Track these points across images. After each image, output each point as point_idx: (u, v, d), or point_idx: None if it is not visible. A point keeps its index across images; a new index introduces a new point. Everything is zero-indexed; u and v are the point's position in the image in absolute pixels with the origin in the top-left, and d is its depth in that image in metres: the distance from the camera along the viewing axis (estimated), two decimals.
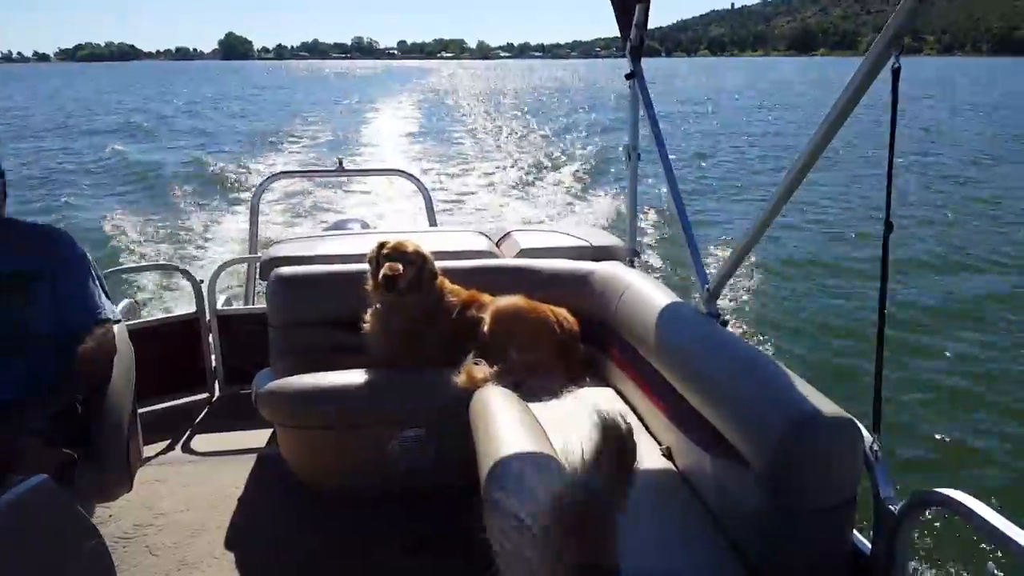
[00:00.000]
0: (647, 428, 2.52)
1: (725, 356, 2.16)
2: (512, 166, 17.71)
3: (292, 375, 2.72)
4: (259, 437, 3.33)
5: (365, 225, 5.27)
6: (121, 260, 9.43)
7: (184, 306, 4.02)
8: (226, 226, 11.26)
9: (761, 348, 3.43)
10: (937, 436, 5.32)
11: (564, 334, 2.88)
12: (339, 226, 5.50)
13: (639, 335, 2.64)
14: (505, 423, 2.28)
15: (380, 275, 2.72)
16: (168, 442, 3.35)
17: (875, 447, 1.84)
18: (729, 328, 2.50)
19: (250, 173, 16.04)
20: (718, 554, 1.88)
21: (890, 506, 1.77)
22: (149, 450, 3.25)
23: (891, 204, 1.79)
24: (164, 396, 3.68)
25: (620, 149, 3.60)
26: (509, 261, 3.38)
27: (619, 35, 3.23)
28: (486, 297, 2.95)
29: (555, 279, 3.19)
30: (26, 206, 13.29)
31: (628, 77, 3.24)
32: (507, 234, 3.74)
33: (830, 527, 1.79)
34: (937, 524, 3.86)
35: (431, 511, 2.74)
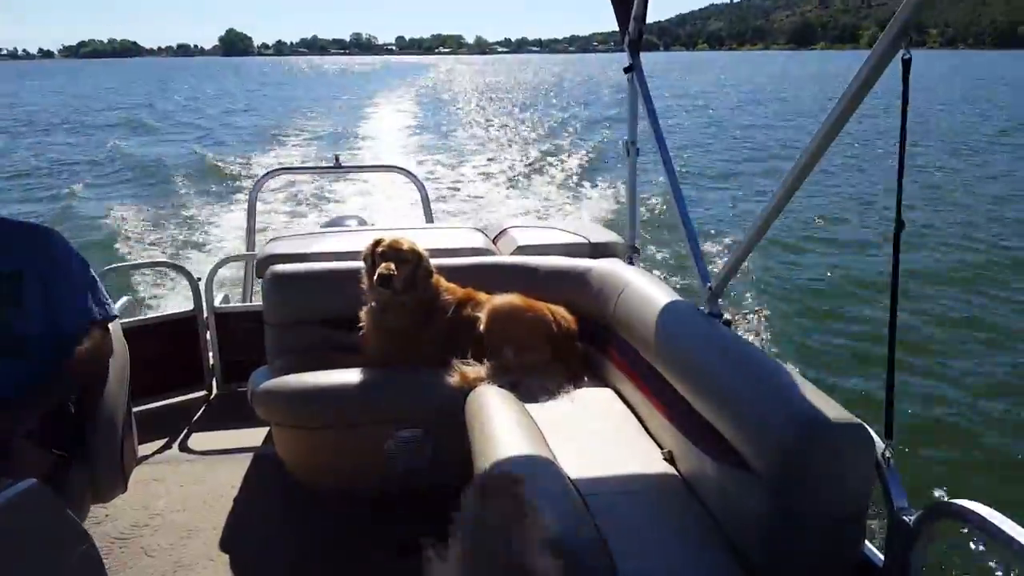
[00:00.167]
0: (648, 431, 2.48)
1: (729, 358, 2.12)
2: (509, 160, 17.65)
3: (288, 374, 2.70)
4: (256, 436, 3.31)
5: (362, 222, 5.24)
6: (121, 255, 9.40)
7: (182, 303, 4.00)
8: (226, 222, 11.22)
9: (764, 350, 3.35)
10: (951, 443, 5.13)
11: (562, 333, 2.86)
12: (336, 223, 5.48)
13: (639, 334, 2.61)
14: (501, 424, 2.25)
15: (375, 274, 2.69)
16: (165, 441, 3.33)
17: (887, 454, 1.78)
18: (732, 328, 2.45)
19: (250, 165, 16.01)
20: (721, 561, 1.84)
21: (904, 516, 1.70)
22: (146, 449, 3.23)
23: (902, 201, 1.72)
24: (161, 394, 3.67)
25: (619, 144, 3.54)
26: (506, 258, 3.35)
27: (617, 29, 3.20)
28: (482, 295, 2.93)
29: (552, 276, 3.16)
30: (30, 198, 13.29)
31: (627, 71, 3.20)
32: (504, 230, 3.71)
33: (839, 537, 1.75)
34: (950, 536, 3.72)
35: (427, 511, 2.72)
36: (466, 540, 1.37)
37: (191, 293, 3.76)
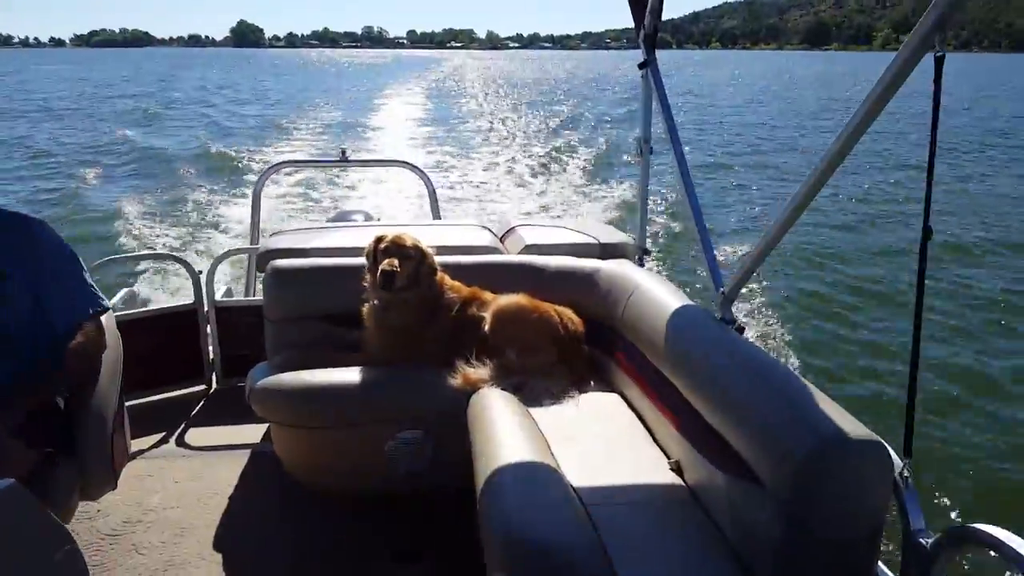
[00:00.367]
0: (655, 439, 2.41)
1: (742, 366, 2.04)
2: (519, 157, 17.56)
3: (287, 371, 2.63)
4: (255, 432, 3.26)
5: (368, 217, 5.18)
6: (125, 246, 9.38)
7: (184, 296, 3.95)
8: (233, 214, 11.19)
9: (777, 358, 3.21)
10: (971, 463, 4.91)
11: (568, 335, 2.78)
12: (342, 217, 5.43)
13: (648, 339, 2.53)
14: (503, 428, 2.19)
15: (377, 270, 2.62)
16: (162, 435, 3.28)
17: (905, 473, 1.70)
18: (746, 336, 2.37)
19: (258, 156, 15.98)
20: None
21: (921, 539, 1.64)
22: (143, 443, 3.18)
23: (931, 208, 1.63)
24: (160, 388, 3.62)
25: (629, 141, 3.45)
26: (512, 257, 3.28)
27: (630, 26, 3.11)
28: (487, 295, 2.86)
29: (560, 277, 3.09)
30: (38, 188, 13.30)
31: (641, 67, 3.11)
32: (511, 229, 3.64)
33: (853, 559, 1.67)
34: (969, 561, 3.53)
35: (427, 514, 2.66)
36: None
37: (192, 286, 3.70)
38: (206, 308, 3.70)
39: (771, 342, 6.74)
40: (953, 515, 4.02)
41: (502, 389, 2.52)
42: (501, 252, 3.36)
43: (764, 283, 8.14)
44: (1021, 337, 7.23)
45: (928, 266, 1.66)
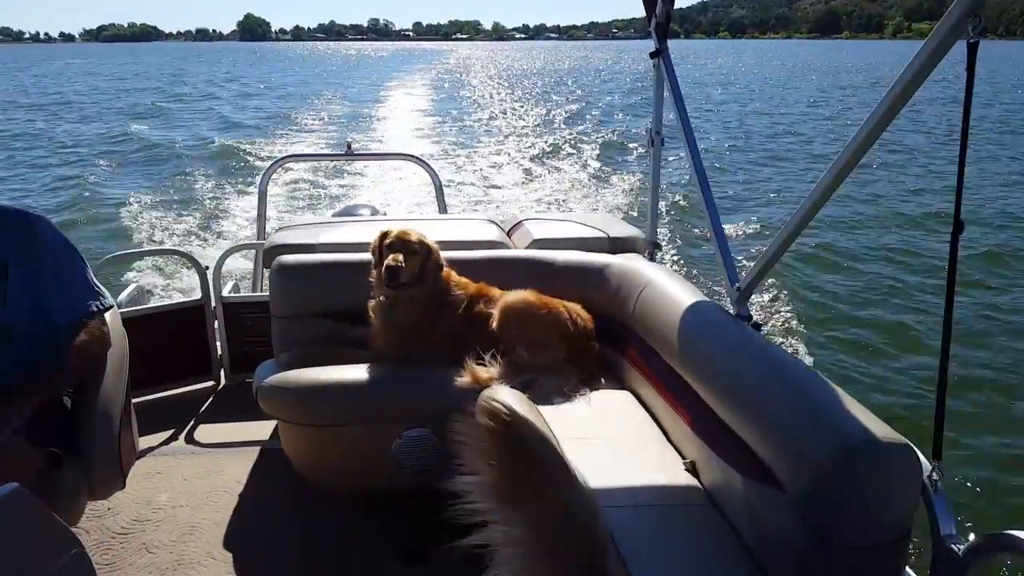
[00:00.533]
0: (669, 438, 2.36)
1: (760, 365, 1.99)
2: (524, 149, 17.48)
3: (294, 368, 2.61)
4: (263, 429, 3.24)
5: (375, 211, 5.14)
6: (134, 242, 9.40)
7: (191, 292, 3.94)
8: (240, 208, 11.18)
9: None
10: (1004, 466, 4.68)
11: (578, 332, 2.74)
12: (348, 212, 5.39)
13: (660, 336, 2.49)
14: None
15: (383, 266, 2.59)
16: (171, 432, 3.27)
17: (934, 476, 1.64)
18: (762, 333, 2.31)
19: (265, 149, 15.97)
20: None
21: (952, 545, 1.58)
22: (152, 440, 3.18)
23: (962, 200, 1.56)
24: (168, 384, 3.61)
25: (643, 132, 3.39)
26: (520, 252, 3.24)
27: (637, 16, 3.06)
28: (495, 291, 2.82)
29: (569, 272, 3.04)
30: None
31: (653, 56, 3.05)
32: (519, 223, 3.59)
33: (878, 566, 1.62)
34: (1004, 569, 3.37)
35: (435, 513, 2.63)
36: None
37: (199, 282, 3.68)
38: (213, 304, 3.68)
39: (784, 339, 6.55)
40: (982, 522, 3.85)
41: (511, 387, 2.48)
42: (508, 247, 3.32)
43: (777, 278, 7.92)
44: None
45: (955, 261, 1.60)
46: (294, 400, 2.53)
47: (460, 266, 2.86)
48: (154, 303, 3.85)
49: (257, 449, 3.11)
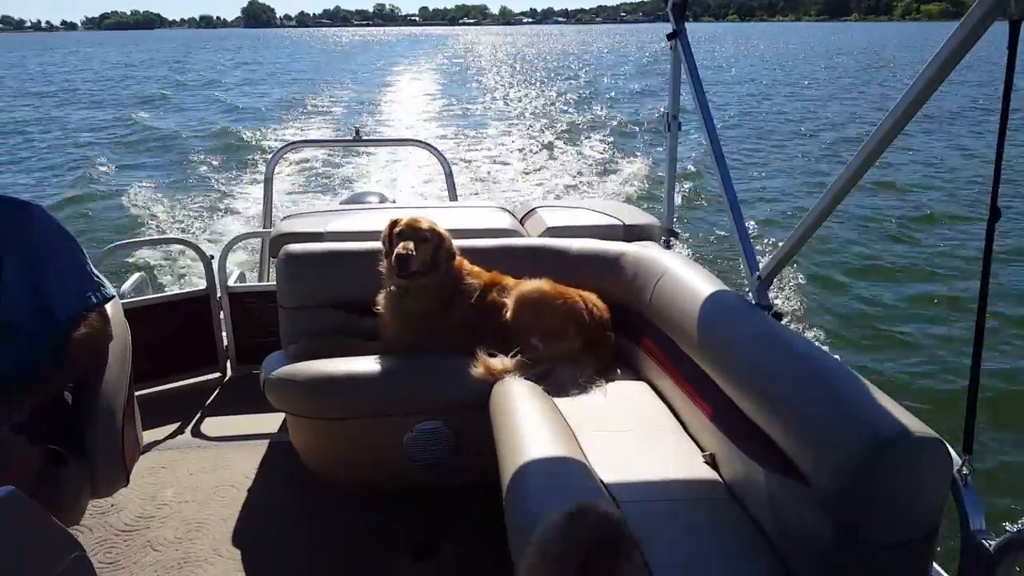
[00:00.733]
0: (687, 430, 2.29)
1: (783, 355, 1.92)
2: (534, 134, 17.32)
3: (302, 360, 2.54)
4: (271, 422, 3.19)
5: (384, 198, 5.06)
6: (135, 231, 9.35)
7: (196, 282, 3.88)
8: (247, 196, 11.12)
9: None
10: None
11: (594, 321, 2.66)
12: (356, 199, 5.31)
13: (678, 325, 2.41)
14: (528, 421, 2.10)
15: (393, 255, 2.51)
16: (177, 426, 3.22)
17: (964, 470, 1.59)
18: (784, 323, 2.23)
19: (271, 136, 15.88)
20: None
21: (982, 541, 1.52)
22: (157, 433, 3.12)
23: (999, 186, 1.50)
24: (173, 376, 3.56)
25: (660, 116, 3.29)
26: (534, 240, 3.16)
27: (644, 0, 2.94)
28: (509, 280, 2.74)
29: (583, 260, 2.96)
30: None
31: (670, 37, 2.96)
32: (532, 210, 3.51)
33: (906, 563, 1.56)
34: None
35: (447, 507, 2.58)
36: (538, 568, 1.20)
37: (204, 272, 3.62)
38: (219, 294, 3.62)
39: (802, 326, 6.39)
40: (1014, 518, 3.74)
41: (525, 378, 2.42)
42: (521, 235, 3.24)
43: (792, 265, 7.65)
44: None
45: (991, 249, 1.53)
46: (302, 393, 2.47)
47: (472, 254, 2.78)
48: (158, 293, 3.79)
49: (265, 442, 3.05)
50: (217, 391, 3.58)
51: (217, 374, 3.69)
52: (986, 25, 1.48)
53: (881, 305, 7.20)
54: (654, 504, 1.90)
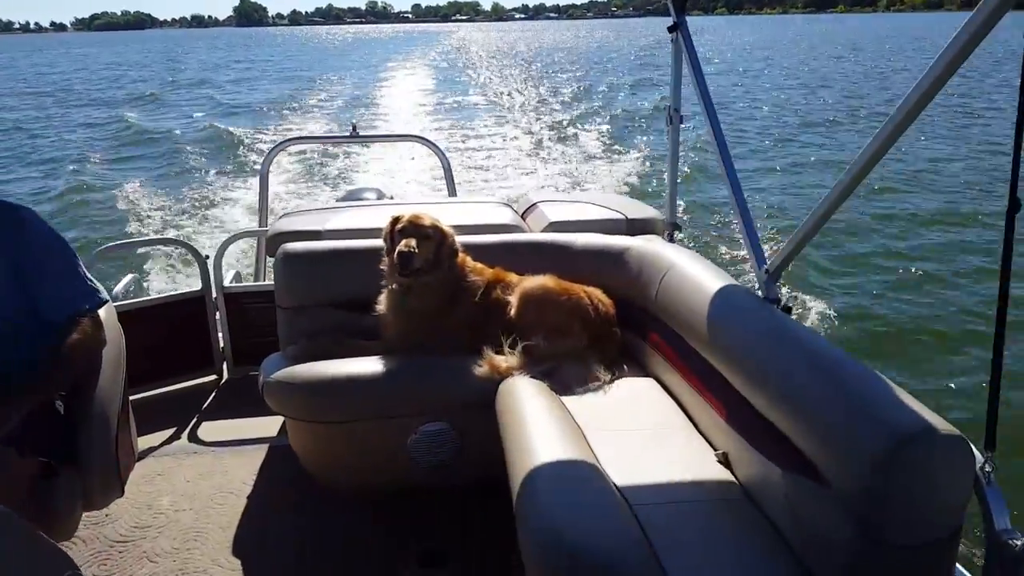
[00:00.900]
0: (698, 428, 2.23)
1: (796, 351, 1.86)
2: (531, 128, 17.25)
3: (302, 362, 2.48)
4: (270, 425, 3.12)
5: (381, 195, 4.99)
6: (128, 231, 9.24)
7: (191, 282, 3.80)
8: (240, 195, 11.01)
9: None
10: None
11: (599, 318, 2.60)
12: (353, 196, 5.24)
13: (686, 320, 2.35)
14: (536, 420, 2.04)
15: (395, 253, 2.44)
16: (173, 430, 3.15)
17: (987, 468, 1.54)
18: (796, 317, 2.17)
19: (267, 131, 15.77)
20: None
21: (1008, 540, 1.48)
22: (152, 439, 3.05)
23: (1019, 176, 1.44)
24: (168, 380, 3.49)
25: (662, 110, 3.23)
26: (536, 236, 3.10)
27: None
28: (512, 276, 2.68)
29: (587, 255, 2.90)
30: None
31: (671, 30, 2.89)
32: (533, 205, 3.45)
33: (929, 564, 1.51)
34: None
35: (452, 510, 2.52)
36: None
37: (199, 272, 3.54)
38: (214, 294, 3.55)
39: (808, 319, 6.28)
40: None
41: (531, 377, 2.36)
42: (523, 230, 3.18)
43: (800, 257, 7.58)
44: None
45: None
46: (302, 396, 2.40)
47: (474, 251, 2.72)
48: (152, 294, 3.72)
49: (264, 447, 2.98)
50: (214, 394, 3.51)
51: (213, 376, 3.62)
52: (1001, 13, 1.43)
53: (893, 299, 7.07)
54: (668, 506, 1.84)
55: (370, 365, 2.43)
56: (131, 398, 2.21)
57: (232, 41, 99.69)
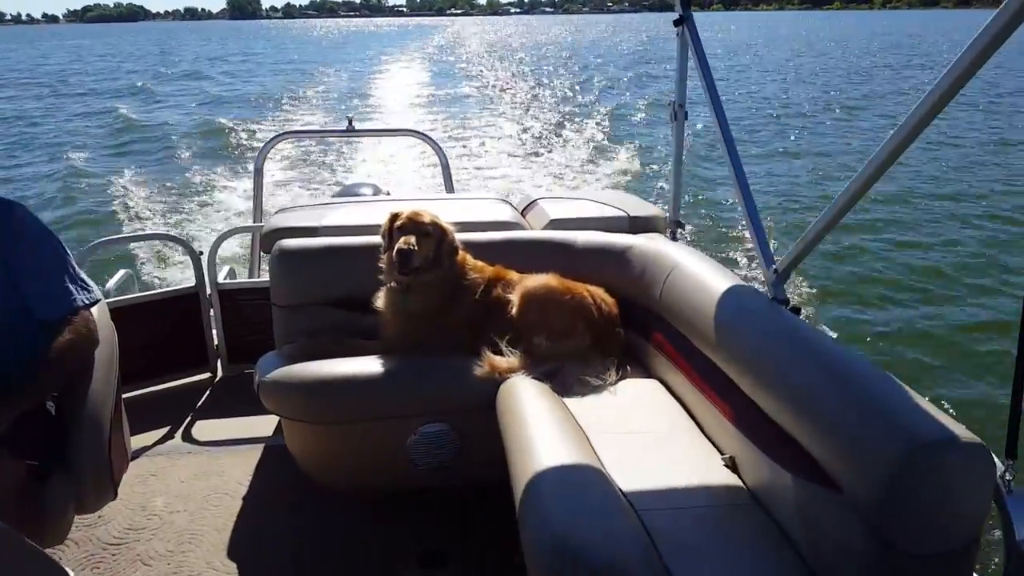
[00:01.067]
0: (703, 431, 2.20)
1: (806, 353, 1.83)
2: (527, 124, 17.17)
3: (298, 362, 2.43)
4: (266, 424, 3.07)
5: (377, 190, 4.92)
6: (121, 226, 9.15)
7: (185, 279, 3.75)
8: (235, 190, 10.92)
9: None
10: None
11: (602, 318, 2.56)
12: (349, 191, 5.17)
13: (691, 321, 2.31)
14: (537, 422, 2.00)
15: (394, 250, 2.40)
16: (167, 429, 3.10)
17: (1007, 476, 1.50)
18: (805, 318, 2.13)
19: (262, 125, 15.65)
20: None
21: None
22: (146, 439, 3.00)
23: None
24: (162, 378, 3.44)
25: (667, 105, 3.18)
26: (537, 233, 3.05)
27: None
28: (513, 275, 2.64)
29: (589, 254, 2.86)
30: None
31: (677, 23, 2.85)
32: (533, 202, 3.40)
33: (945, 572, 1.48)
34: None
35: (452, 512, 2.48)
36: None
37: (193, 268, 3.49)
38: (208, 291, 3.50)
39: (818, 322, 6.11)
40: None
41: (533, 377, 2.32)
42: (524, 228, 3.13)
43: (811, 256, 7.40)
44: None
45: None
46: (299, 396, 2.35)
47: (474, 248, 2.68)
48: (145, 291, 3.66)
49: (260, 447, 2.93)
50: (208, 392, 3.45)
51: (207, 374, 3.57)
52: None
53: (908, 301, 6.93)
54: (674, 511, 1.80)
55: (369, 365, 2.39)
56: (124, 396, 2.16)
57: (226, 37, 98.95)
